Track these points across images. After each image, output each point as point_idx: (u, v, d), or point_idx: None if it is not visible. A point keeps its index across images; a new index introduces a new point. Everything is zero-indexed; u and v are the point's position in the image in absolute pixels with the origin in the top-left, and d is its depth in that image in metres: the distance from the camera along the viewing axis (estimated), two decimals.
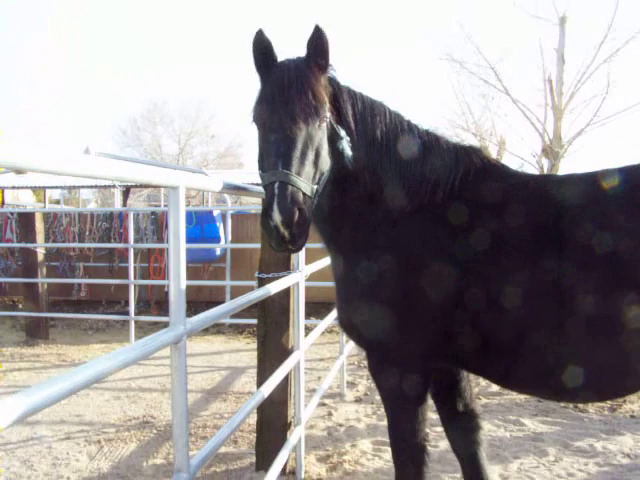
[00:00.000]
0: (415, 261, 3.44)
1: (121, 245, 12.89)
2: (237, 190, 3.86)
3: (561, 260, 3.23)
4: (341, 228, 3.63)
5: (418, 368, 3.56)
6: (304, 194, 3.11)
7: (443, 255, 3.40)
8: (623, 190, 3.25)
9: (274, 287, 4.37)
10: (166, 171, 2.75)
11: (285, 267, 5.23)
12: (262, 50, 3.37)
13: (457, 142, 3.71)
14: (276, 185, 3.07)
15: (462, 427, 4.08)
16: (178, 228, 2.76)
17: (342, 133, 3.42)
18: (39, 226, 12.44)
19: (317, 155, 3.26)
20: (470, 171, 3.55)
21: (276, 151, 3.16)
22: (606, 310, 3.14)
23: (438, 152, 3.60)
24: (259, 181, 3.33)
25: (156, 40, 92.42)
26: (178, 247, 2.76)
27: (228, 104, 76.15)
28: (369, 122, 3.56)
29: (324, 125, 3.33)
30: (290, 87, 3.24)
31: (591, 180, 3.39)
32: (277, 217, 3.00)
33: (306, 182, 3.15)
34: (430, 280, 3.39)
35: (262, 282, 5.13)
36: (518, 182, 3.54)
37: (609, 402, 7.46)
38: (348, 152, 3.42)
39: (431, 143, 3.64)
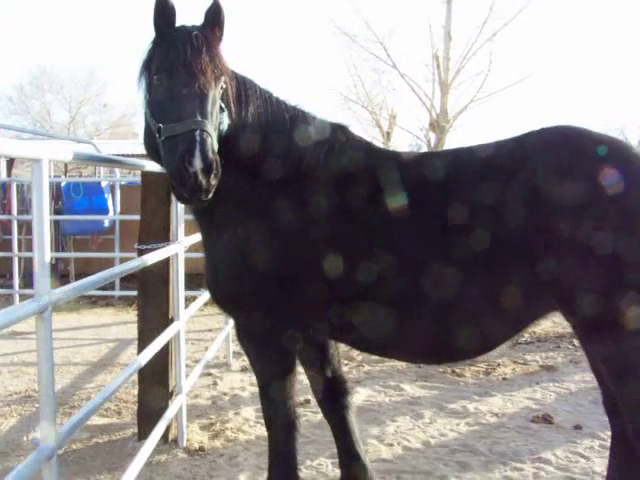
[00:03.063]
0: (277, 231, 3.57)
1: (4, 217, 12.50)
2: (104, 162, 3.88)
3: (400, 231, 3.44)
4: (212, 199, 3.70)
5: (283, 337, 3.70)
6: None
7: (303, 225, 3.55)
8: (467, 168, 3.48)
9: (150, 258, 4.41)
10: (27, 144, 2.76)
11: (164, 238, 5.26)
12: (166, 10, 3.39)
13: (323, 119, 3.85)
14: (197, 133, 3.11)
15: (331, 392, 4.24)
16: (41, 200, 2.78)
17: (223, 105, 3.50)
18: None
19: (217, 120, 3.35)
20: (335, 146, 3.70)
21: (192, 103, 3.21)
22: (442, 283, 3.38)
23: (304, 127, 3.72)
24: None
25: (43, 3, 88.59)
26: (42, 219, 2.77)
27: (121, 72, 73.95)
28: (243, 97, 3.65)
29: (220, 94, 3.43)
30: (202, 48, 3.31)
31: (443, 158, 3.63)
32: (198, 164, 3.05)
33: (216, 139, 3.25)
34: (290, 250, 3.53)
35: (142, 253, 5.14)
36: (379, 158, 3.71)
37: (484, 366, 7.87)
38: (225, 125, 3.50)
39: (298, 118, 3.76)
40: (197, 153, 3.06)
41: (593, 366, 3.80)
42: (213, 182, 3.13)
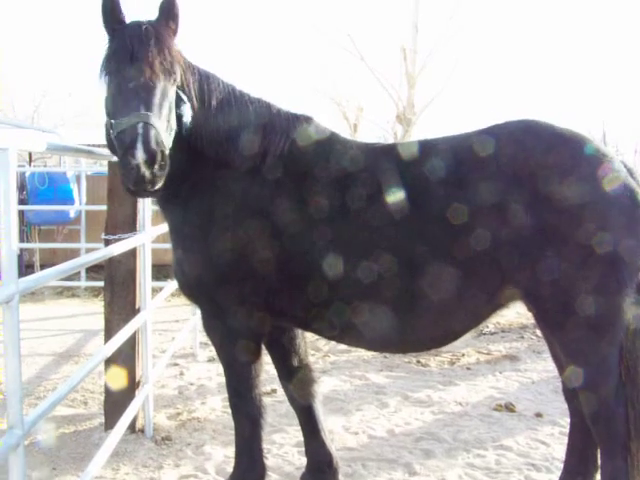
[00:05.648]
0: (240, 220, 3.63)
1: None
2: (76, 152, 3.88)
3: (361, 222, 3.53)
4: (178, 189, 3.71)
5: (247, 325, 3.76)
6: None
7: (265, 215, 3.62)
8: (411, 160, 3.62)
9: (116, 248, 4.43)
10: None
11: (131, 229, 5.27)
12: (110, 8, 3.43)
13: (288, 110, 3.90)
14: (140, 125, 3.13)
15: (297, 381, 4.30)
16: (9, 190, 2.79)
17: (184, 98, 3.53)
18: None
19: (169, 111, 3.37)
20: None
21: (137, 96, 3.23)
22: (398, 275, 3.50)
23: (269, 119, 3.78)
24: None
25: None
26: (9, 209, 2.79)
27: (85, 61, 72.84)
28: (205, 90, 3.71)
29: (175, 85, 3.45)
30: (149, 41, 3.34)
31: (398, 150, 3.74)
32: (140, 155, 3.06)
33: (163, 130, 3.25)
34: (253, 239, 3.60)
35: (109, 244, 5.15)
36: (343, 148, 3.77)
37: (449, 356, 7.97)
38: (188, 117, 3.54)
39: (262, 110, 3.81)
40: (139, 145, 3.08)
41: (553, 353, 3.91)
42: (159, 173, 3.14)
